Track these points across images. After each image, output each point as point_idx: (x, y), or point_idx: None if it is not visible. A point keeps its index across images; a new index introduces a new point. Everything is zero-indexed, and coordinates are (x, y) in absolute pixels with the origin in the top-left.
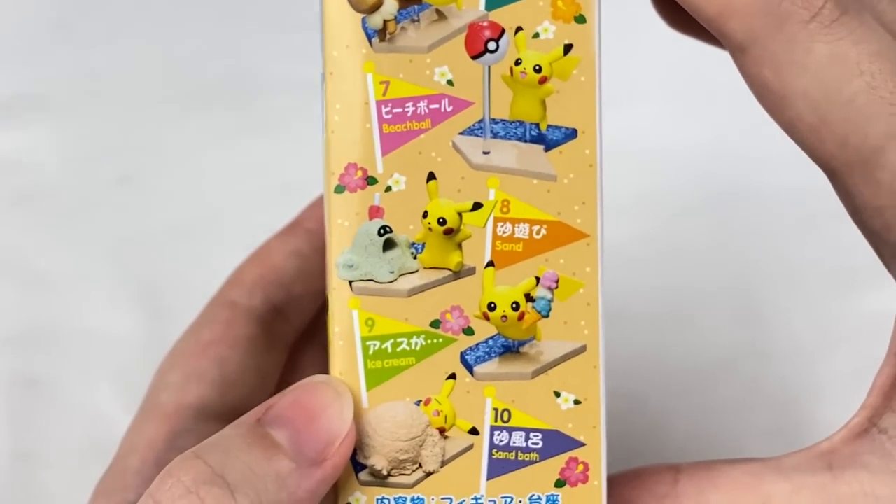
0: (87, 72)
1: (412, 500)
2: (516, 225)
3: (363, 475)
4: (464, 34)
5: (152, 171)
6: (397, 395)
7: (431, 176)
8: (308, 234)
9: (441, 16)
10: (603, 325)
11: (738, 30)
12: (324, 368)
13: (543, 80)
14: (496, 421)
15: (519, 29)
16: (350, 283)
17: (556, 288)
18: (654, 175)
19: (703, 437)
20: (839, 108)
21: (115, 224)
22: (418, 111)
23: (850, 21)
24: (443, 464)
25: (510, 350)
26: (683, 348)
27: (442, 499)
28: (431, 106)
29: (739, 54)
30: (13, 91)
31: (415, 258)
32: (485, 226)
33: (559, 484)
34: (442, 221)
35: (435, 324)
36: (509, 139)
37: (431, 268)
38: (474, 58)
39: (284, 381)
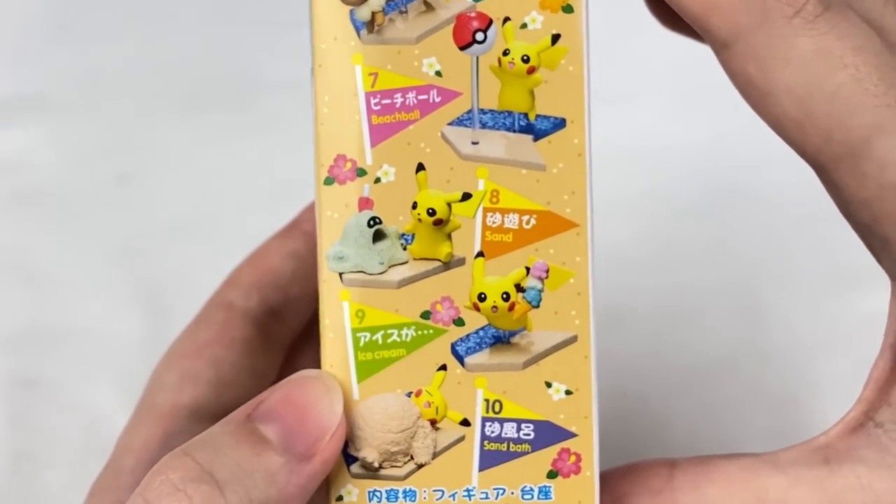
0: (87, 72)
1: (404, 492)
2: (506, 215)
3: (354, 468)
4: (452, 25)
5: (152, 171)
6: (388, 387)
7: (420, 167)
8: (305, 235)
9: (429, 7)
10: (594, 315)
11: (721, 26)
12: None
13: (531, 71)
14: (487, 412)
15: (507, 19)
16: (340, 274)
17: (547, 278)
18: (654, 175)
19: (703, 436)
20: (823, 101)
21: (115, 224)
22: (407, 102)
23: (833, 16)
24: (434, 455)
25: (501, 341)
26: (683, 348)
27: (433, 491)
28: (420, 97)
29: (723, 51)
30: (13, 91)
31: (404, 249)
32: (474, 216)
33: (551, 475)
34: (431, 212)
35: (425, 315)
36: (498, 129)
37: (421, 259)
38: (462, 49)
39: None
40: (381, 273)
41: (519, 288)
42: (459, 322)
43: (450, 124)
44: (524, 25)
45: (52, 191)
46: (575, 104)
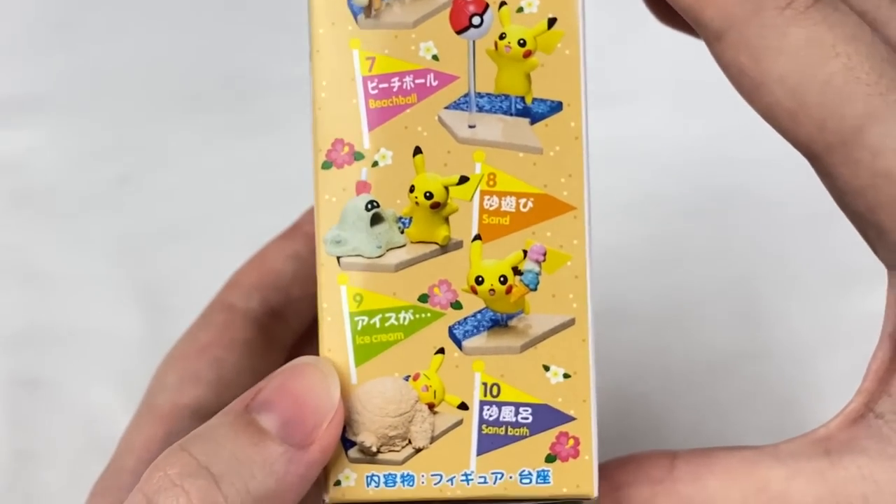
0: (87, 72)
1: (402, 476)
2: (503, 198)
3: (352, 452)
4: (448, 9)
5: (152, 171)
6: (386, 371)
7: (418, 150)
8: (307, 237)
9: None
10: (591, 298)
11: (714, 17)
12: None
13: (528, 54)
14: (485, 395)
15: (503, 3)
16: (338, 258)
17: (544, 261)
18: (653, 175)
19: (703, 436)
20: (816, 90)
21: (115, 224)
22: (404, 86)
23: (825, 6)
24: (432, 440)
25: (498, 324)
26: (683, 348)
27: (432, 475)
28: (417, 81)
29: (716, 42)
30: (13, 91)
31: (402, 233)
32: (471, 199)
33: (550, 459)
34: (429, 195)
35: (423, 298)
36: (495, 113)
37: (419, 242)
38: (459, 32)
39: None
40: (378, 257)
41: (516, 271)
42: (457, 305)
43: (447, 108)
44: (520, 9)
45: (52, 191)
46: (571, 87)
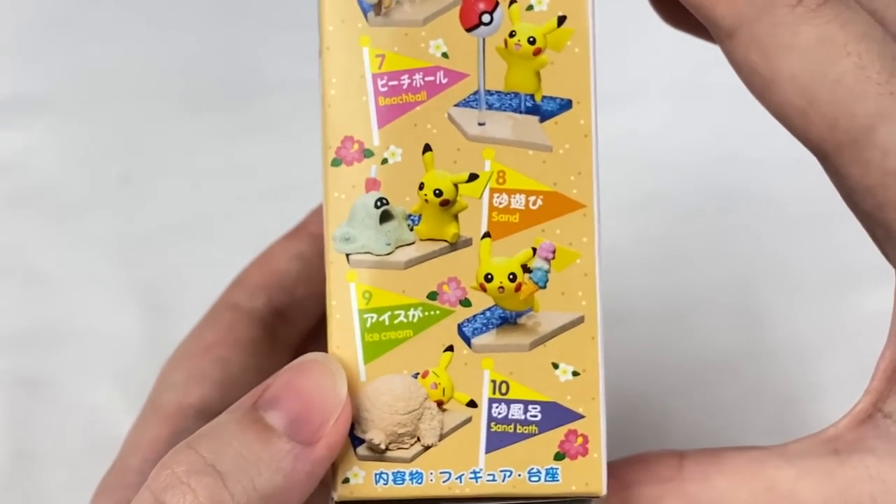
0: (87, 72)
1: (410, 474)
2: (512, 196)
3: (361, 450)
4: (458, 7)
5: (152, 171)
6: (395, 368)
7: (427, 148)
8: (312, 237)
9: None
10: (600, 296)
11: (725, 15)
12: None
13: (538, 52)
14: (494, 393)
15: (513, 1)
16: (347, 256)
17: (553, 258)
18: (654, 176)
19: (703, 436)
20: (827, 89)
21: (115, 224)
22: (414, 84)
23: (836, 5)
24: (441, 437)
25: (508, 321)
26: (683, 348)
27: (440, 472)
28: (427, 78)
29: (727, 40)
30: (13, 91)
31: (411, 230)
32: (481, 197)
33: (559, 457)
34: (438, 193)
35: (432, 296)
36: (504, 110)
37: (428, 239)
38: (469, 30)
39: None
40: (388, 254)
41: (526, 268)
42: (466, 303)
43: (456, 105)
44: (530, 7)
45: (52, 191)
46: (581, 85)
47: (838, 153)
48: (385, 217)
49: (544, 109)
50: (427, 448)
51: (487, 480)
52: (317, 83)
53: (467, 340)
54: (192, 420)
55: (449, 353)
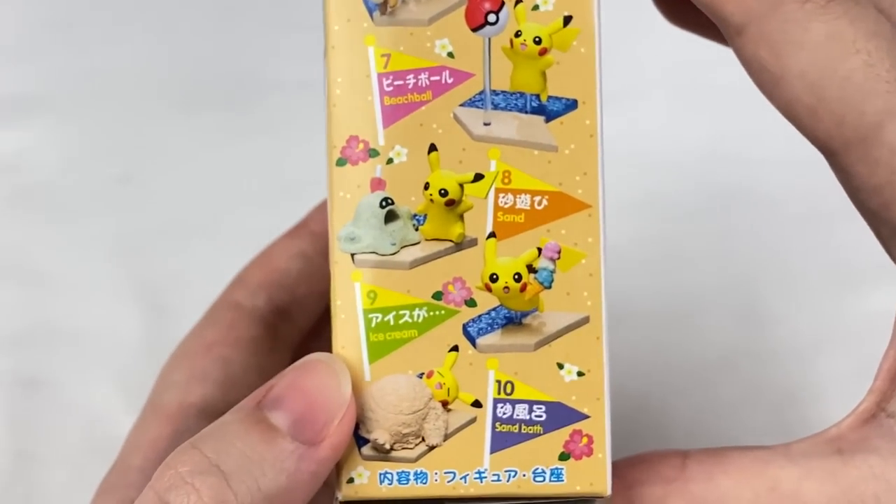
0: (87, 72)
1: (415, 474)
2: (518, 196)
3: (366, 450)
4: (464, 7)
5: (152, 170)
6: (400, 368)
7: (433, 147)
8: (313, 236)
9: None
10: (605, 296)
11: (734, 12)
12: None
13: (543, 52)
14: (499, 393)
15: (518, 1)
16: (352, 255)
17: (559, 259)
18: (654, 176)
19: (703, 436)
20: (836, 86)
21: (115, 224)
22: (419, 83)
23: (845, 1)
24: (446, 437)
25: (513, 321)
26: (683, 348)
27: (445, 473)
28: (432, 78)
29: (736, 37)
30: (13, 91)
31: (416, 230)
32: (486, 197)
33: (563, 457)
34: (443, 193)
35: (437, 296)
36: (510, 110)
37: (433, 239)
38: (474, 30)
39: None
40: (393, 254)
41: (531, 269)
42: (471, 303)
43: (462, 105)
44: (536, 7)
45: (52, 191)
46: (586, 85)
47: (846, 151)
48: (390, 217)
49: (550, 109)
50: (432, 448)
51: (492, 480)
52: (320, 83)
53: (472, 340)
54: (194, 419)
55: (454, 353)
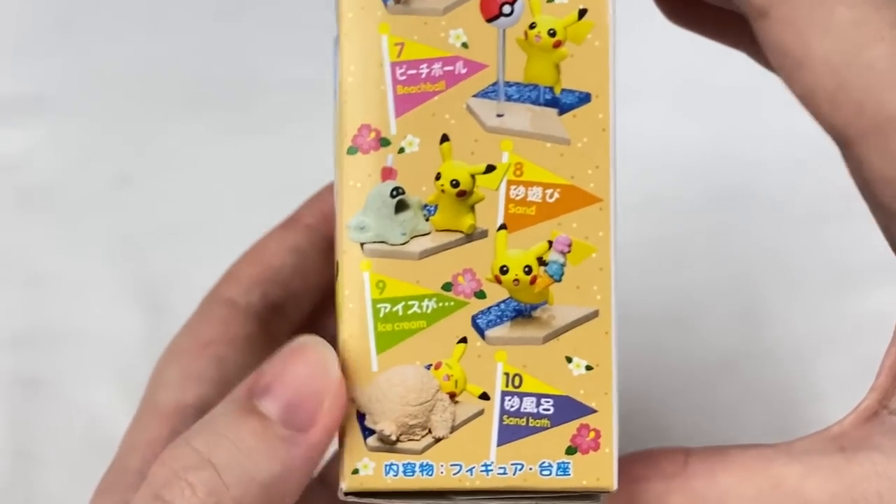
0: (87, 72)
1: (421, 466)
2: (529, 188)
3: (371, 441)
4: None
5: (152, 171)
6: (408, 359)
7: (445, 138)
8: (307, 229)
9: None
10: (615, 291)
11: None
12: None
13: (558, 45)
14: (507, 386)
15: None
16: (361, 245)
17: (569, 252)
18: (653, 175)
19: (703, 437)
20: (858, 72)
21: (114, 224)
22: (433, 73)
23: None
24: (452, 429)
25: (522, 314)
26: (684, 348)
27: (451, 465)
28: (446, 68)
29: (760, 19)
30: (13, 91)
31: (427, 220)
32: (498, 188)
33: (570, 451)
34: (455, 183)
35: (447, 286)
36: (523, 102)
37: (444, 230)
38: (489, 21)
39: None
40: (402, 244)
41: (541, 261)
42: (481, 294)
43: (475, 96)
44: None
45: (53, 191)
46: (600, 79)
47: (862, 140)
48: (400, 207)
49: (563, 102)
50: (438, 440)
51: (498, 473)
52: (321, 82)
53: (481, 332)
54: (191, 419)
55: (462, 344)
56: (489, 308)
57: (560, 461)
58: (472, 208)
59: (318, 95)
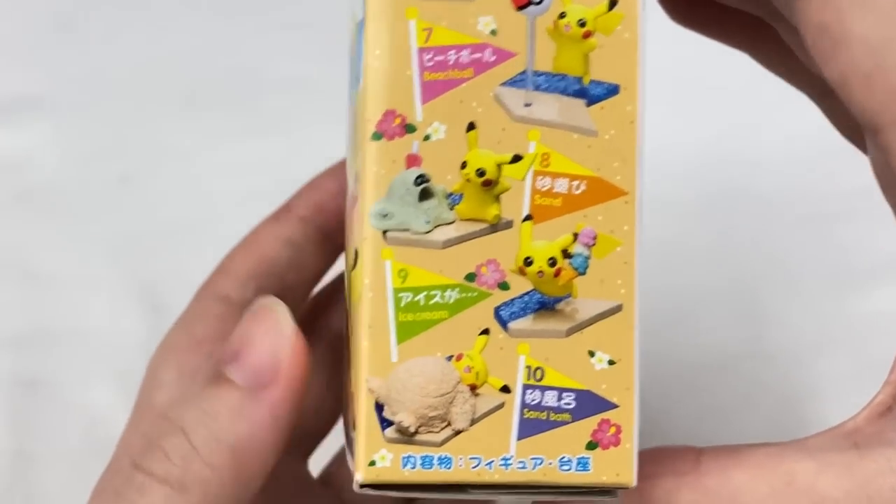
0: (87, 72)
1: (439, 459)
2: (556, 179)
3: (389, 432)
4: None
5: (152, 170)
6: (428, 350)
7: (472, 126)
8: (301, 221)
9: None
10: (639, 285)
11: None
12: (318, 357)
13: (587, 35)
14: (529, 379)
15: None
16: (384, 232)
17: (594, 245)
18: (653, 175)
19: (703, 437)
20: None
21: (115, 224)
22: (461, 60)
23: None
24: (472, 422)
25: (546, 307)
26: (683, 348)
27: (470, 458)
28: (474, 55)
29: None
30: (13, 91)
31: (451, 209)
32: (524, 179)
33: (591, 446)
34: (481, 173)
35: (470, 277)
36: (551, 92)
37: (468, 219)
38: (519, 9)
39: None
40: (426, 232)
41: (566, 254)
42: (504, 286)
43: (503, 84)
44: None
45: (53, 191)
46: (629, 71)
47: (893, 127)
48: (425, 194)
49: (591, 93)
50: (458, 433)
51: (518, 468)
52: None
53: (504, 324)
54: None
55: (484, 336)
56: (512, 300)
57: (580, 456)
58: (497, 198)
59: (319, 95)
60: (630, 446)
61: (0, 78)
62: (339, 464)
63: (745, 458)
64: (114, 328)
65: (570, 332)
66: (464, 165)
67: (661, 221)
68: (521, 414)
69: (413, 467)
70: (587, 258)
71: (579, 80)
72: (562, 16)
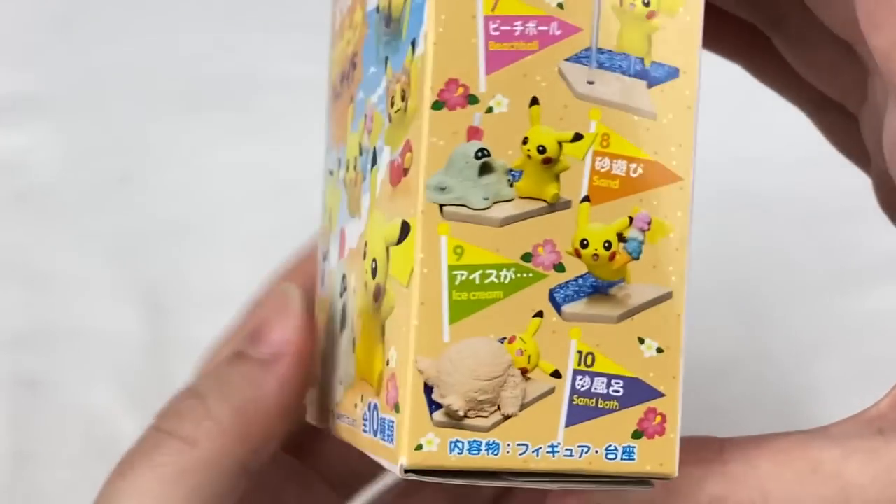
0: (87, 72)
1: (487, 444)
2: (614, 161)
3: (437, 415)
4: None
5: (153, 170)
6: (481, 331)
7: (535, 101)
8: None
9: None
10: (689, 273)
11: None
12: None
13: (651, 15)
14: (580, 365)
15: None
16: (440, 206)
17: (648, 230)
18: None
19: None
20: None
21: (115, 223)
22: (527, 31)
23: None
24: (522, 407)
25: (599, 291)
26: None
27: (517, 444)
28: (540, 28)
29: None
30: (13, 91)
31: (511, 186)
32: (584, 158)
33: (636, 435)
34: (542, 150)
35: (526, 257)
36: (614, 71)
37: (527, 197)
38: None
39: None
40: (484, 208)
41: (621, 238)
42: (560, 268)
43: (567, 60)
44: None
45: (53, 191)
46: (689, 55)
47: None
48: (485, 169)
49: (653, 75)
50: (507, 417)
51: (564, 455)
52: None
53: (558, 307)
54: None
55: (538, 318)
56: (567, 282)
57: (626, 445)
58: (556, 177)
59: (319, 95)
60: (674, 436)
61: (0, 78)
62: (314, 436)
63: (770, 446)
64: (114, 328)
65: (621, 318)
66: (525, 141)
67: None
68: (571, 400)
69: (460, 452)
70: (641, 243)
71: (641, 60)
72: None
